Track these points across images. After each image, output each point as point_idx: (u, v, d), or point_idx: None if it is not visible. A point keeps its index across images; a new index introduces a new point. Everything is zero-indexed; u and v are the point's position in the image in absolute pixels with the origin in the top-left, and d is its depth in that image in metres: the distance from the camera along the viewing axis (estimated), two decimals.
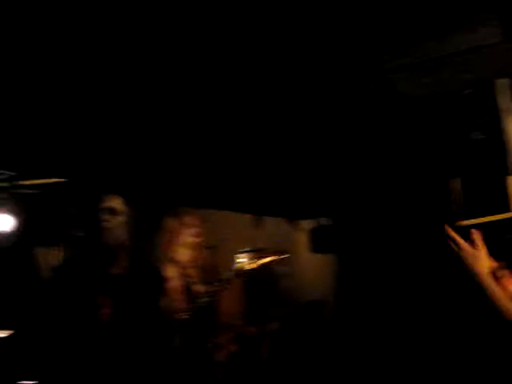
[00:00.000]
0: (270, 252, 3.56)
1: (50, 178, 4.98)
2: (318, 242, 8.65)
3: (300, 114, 4.01)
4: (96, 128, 3.99)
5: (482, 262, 2.71)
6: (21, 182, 5.07)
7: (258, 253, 3.58)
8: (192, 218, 3.74)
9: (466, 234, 2.71)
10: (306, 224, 8.90)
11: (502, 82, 3.44)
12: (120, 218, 2.88)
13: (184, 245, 3.64)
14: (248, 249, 3.58)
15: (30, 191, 5.38)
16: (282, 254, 3.59)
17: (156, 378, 2.94)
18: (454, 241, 2.67)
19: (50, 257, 5.46)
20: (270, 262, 3.60)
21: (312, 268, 8.92)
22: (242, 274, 3.47)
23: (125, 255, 2.94)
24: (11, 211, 5.20)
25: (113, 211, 2.85)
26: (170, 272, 3.47)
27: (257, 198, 7.04)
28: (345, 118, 4.16)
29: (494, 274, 2.70)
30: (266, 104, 3.79)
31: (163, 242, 3.66)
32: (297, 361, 6.28)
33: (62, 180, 4.98)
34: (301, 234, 8.95)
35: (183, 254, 3.62)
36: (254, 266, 3.52)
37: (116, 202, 2.88)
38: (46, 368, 2.85)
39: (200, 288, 3.54)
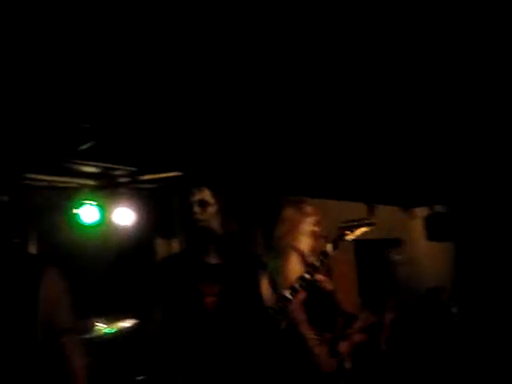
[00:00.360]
0: (364, 223, 3.45)
1: (167, 172, 5.11)
2: (434, 230, 8.41)
3: (413, 102, 3.89)
4: (208, 121, 4.05)
5: None
6: (140, 177, 5.23)
7: (352, 225, 3.48)
8: (311, 206, 3.72)
9: None
10: (421, 211, 8.69)
11: None
12: (211, 209, 2.90)
13: (304, 233, 3.63)
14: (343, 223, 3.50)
15: (149, 185, 5.55)
16: (373, 223, 3.46)
17: (272, 367, 2.94)
18: None
19: (170, 248, 5.63)
20: (364, 232, 3.50)
21: (428, 255, 8.71)
22: (339, 245, 3.38)
23: (220, 245, 2.96)
24: (132, 206, 5.38)
25: (203, 203, 2.88)
26: (292, 261, 3.47)
27: (370, 187, 6.93)
28: (461, 103, 3.98)
29: None
30: (381, 95, 3.70)
31: (284, 231, 3.67)
32: (416, 350, 6.14)
33: (179, 174, 5.10)
34: (416, 222, 8.74)
35: (304, 242, 3.61)
36: (350, 237, 3.43)
37: (205, 194, 2.91)
38: (159, 358, 2.92)
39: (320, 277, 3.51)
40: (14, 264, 2.08)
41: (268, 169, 5.34)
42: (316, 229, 3.66)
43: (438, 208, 8.50)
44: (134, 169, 5.01)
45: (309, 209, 3.71)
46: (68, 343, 2.09)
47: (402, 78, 3.50)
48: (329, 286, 3.64)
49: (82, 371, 2.13)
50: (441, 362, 6.30)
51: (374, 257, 7.64)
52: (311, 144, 4.81)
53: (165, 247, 5.66)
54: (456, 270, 8.42)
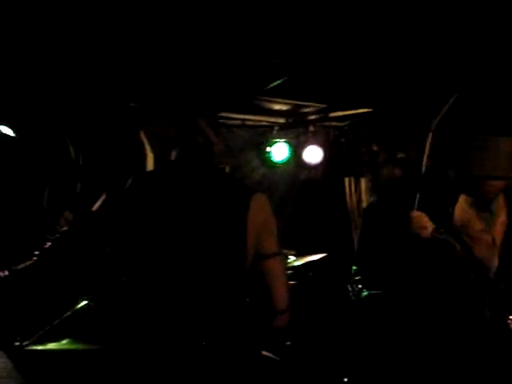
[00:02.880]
0: None
1: (356, 108, 5.03)
2: None
3: None
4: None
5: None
6: (330, 114, 5.20)
7: None
8: None
9: None
10: None
11: None
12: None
13: None
14: None
15: (339, 123, 5.51)
16: None
17: None
18: None
19: (358, 187, 5.59)
20: None
21: None
22: None
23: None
24: (320, 143, 5.39)
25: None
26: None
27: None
28: None
29: None
30: None
31: None
32: None
33: (368, 110, 4.99)
34: None
35: None
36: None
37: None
38: None
39: None
40: (225, 188, 2.15)
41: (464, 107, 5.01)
42: None
43: None
44: (323, 105, 4.99)
45: None
46: (275, 265, 2.13)
47: None
48: None
49: (285, 286, 2.16)
50: None
51: None
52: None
53: (353, 186, 5.63)
54: None
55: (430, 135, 3.05)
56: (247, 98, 4.74)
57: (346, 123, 5.49)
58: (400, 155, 3.25)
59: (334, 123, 5.53)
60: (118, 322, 2.08)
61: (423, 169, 3.02)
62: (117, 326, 2.10)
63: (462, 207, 3.16)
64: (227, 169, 5.06)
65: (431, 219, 3.06)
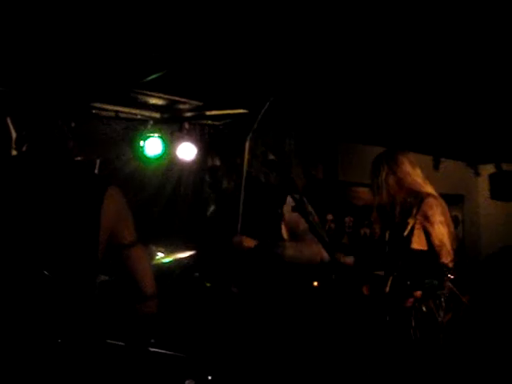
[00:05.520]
0: None
1: (233, 108, 5.06)
2: (499, 188, 8.15)
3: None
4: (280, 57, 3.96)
5: None
6: (206, 113, 5.21)
7: None
8: None
9: None
10: (487, 169, 8.41)
11: None
12: None
13: None
14: None
15: (214, 122, 5.52)
16: None
17: None
18: None
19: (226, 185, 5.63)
20: None
21: (490, 214, 8.49)
22: None
23: None
24: (194, 141, 5.38)
25: None
26: None
27: (437, 140, 6.72)
28: None
29: None
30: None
31: None
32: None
33: (245, 111, 5.04)
34: (480, 179, 8.50)
35: None
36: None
37: None
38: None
39: None
40: (78, 180, 2.10)
41: (330, 111, 5.22)
42: None
43: (505, 166, 8.23)
44: (199, 103, 4.98)
45: None
46: (133, 253, 2.12)
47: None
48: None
49: (149, 272, 2.16)
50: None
51: None
52: (380, 91, 4.68)
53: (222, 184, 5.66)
54: None
55: (248, 144, 3.31)
56: (122, 90, 4.63)
57: (221, 122, 5.52)
58: (271, 157, 3.37)
59: (209, 122, 5.54)
60: None
61: (244, 175, 3.26)
62: None
63: (289, 208, 3.45)
64: (97, 161, 4.92)
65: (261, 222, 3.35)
